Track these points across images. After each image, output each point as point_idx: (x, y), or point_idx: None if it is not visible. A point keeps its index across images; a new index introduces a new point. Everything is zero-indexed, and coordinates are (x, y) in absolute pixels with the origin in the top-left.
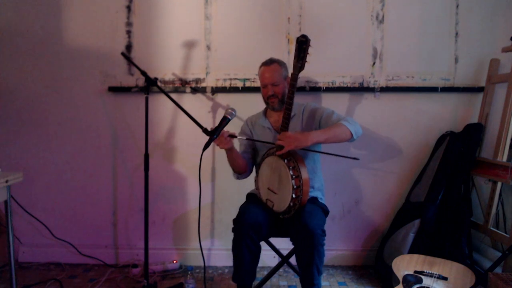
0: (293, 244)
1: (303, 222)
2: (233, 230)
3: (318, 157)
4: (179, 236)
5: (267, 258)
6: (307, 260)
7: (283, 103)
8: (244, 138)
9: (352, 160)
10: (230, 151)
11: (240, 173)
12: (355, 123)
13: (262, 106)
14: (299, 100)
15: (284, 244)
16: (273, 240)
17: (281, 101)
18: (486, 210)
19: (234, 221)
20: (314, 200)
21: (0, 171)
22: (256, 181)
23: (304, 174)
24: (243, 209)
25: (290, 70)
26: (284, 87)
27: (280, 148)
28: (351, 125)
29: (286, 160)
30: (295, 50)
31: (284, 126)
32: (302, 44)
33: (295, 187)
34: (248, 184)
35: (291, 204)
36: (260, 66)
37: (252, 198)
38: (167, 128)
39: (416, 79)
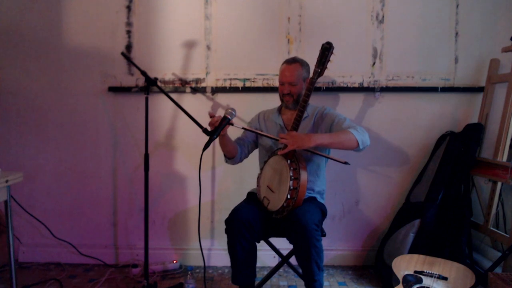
0: (290, 242)
1: (296, 218)
2: (226, 231)
3: (323, 162)
4: (179, 236)
5: (267, 258)
6: (305, 256)
7: (298, 103)
8: (240, 127)
9: (352, 160)
10: (222, 136)
11: (229, 157)
12: (364, 133)
13: (262, 106)
14: None
15: (284, 244)
16: (273, 240)
17: (295, 101)
18: (486, 210)
19: (226, 221)
20: (312, 199)
21: (0, 171)
22: (258, 178)
23: (303, 177)
24: (234, 209)
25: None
26: (302, 88)
27: (284, 147)
28: (359, 134)
29: (289, 161)
30: (318, 56)
31: (294, 127)
32: (325, 51)
33: (291, 188)
34: (249, 184)
35: (285, 204)
36: (282, 63)
37: (250, 197)
38: (167, 128)
39: (416, 79)
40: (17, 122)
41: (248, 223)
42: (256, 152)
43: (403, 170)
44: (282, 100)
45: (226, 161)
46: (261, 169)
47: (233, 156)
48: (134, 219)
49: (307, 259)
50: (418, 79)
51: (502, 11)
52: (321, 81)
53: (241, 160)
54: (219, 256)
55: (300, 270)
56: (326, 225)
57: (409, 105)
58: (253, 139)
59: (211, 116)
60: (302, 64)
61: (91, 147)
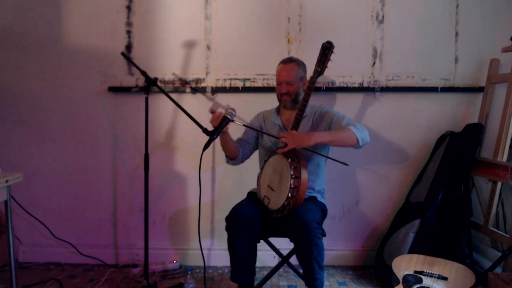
0: (290, 241)
1: (297, 216)
2: (226, 228)
3: (323, 161)
4: (179, 236)
5: (267, 258)
6: (306, 254)
7: (296, 103)
8: (241, 124)
9: (352, 160)
10: (223, 135)
11: (231, 158)
12: (363, 129)
13: (262, 106)
14: None
15: (284, 244)
16: (273, 240)
17: (293, 100)
18: (486, 210)
19: (226, 218)
20: (313, 198)
21: (0, 171)
22: (259, 177)
23: (304, 176)
24: (235, 207)
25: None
26: (299, 87)
27: (284, 146)
28: (358, 131)
29: (289, 160)
30: (318, 55)
31: (294, 126)
32: (326, 50)
33: (292, 186)
34: (249, 184)
35: (285, 203)
36: (279, 64)
37: (250, 196)
38: (167, 128)
39: (416, 79)
40: (17, 122)
41: (248, 221)
42: (255, 152)
43: (403, 170)
44: (280, 100)
45: (228, 162)
46: (261, 168)
47: (235, 156)
48: (134, 219)
49: (308, 258)
50: (418, 79)
51: (502, 11)
52: (321, 81)
53: (242, 161)
54: (219, 256)
55: (301, 270)
56: (326, 225)
57: (409, 105)
58: (254, 139)
59: (212, 112)
60: (298, 63)
61: (91, 147)
